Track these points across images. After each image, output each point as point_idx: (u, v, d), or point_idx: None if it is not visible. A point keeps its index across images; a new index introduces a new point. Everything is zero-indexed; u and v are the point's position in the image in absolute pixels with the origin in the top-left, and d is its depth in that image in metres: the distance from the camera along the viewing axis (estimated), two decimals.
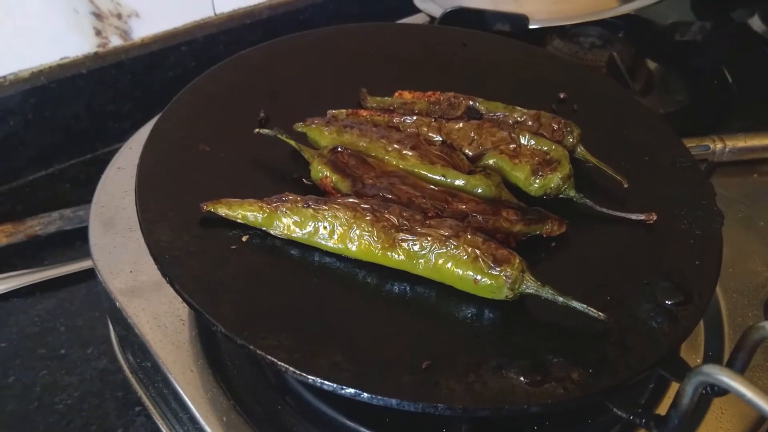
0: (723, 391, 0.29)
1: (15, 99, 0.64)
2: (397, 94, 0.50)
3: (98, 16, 0.67)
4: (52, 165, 0.69)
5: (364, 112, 0.47)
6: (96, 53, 0.69)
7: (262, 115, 0.46)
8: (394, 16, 0.79)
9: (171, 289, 0.39)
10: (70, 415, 0.46)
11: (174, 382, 0.36)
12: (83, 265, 0.55)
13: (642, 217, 0.40)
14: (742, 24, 0.79)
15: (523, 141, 0.43)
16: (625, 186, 0.41)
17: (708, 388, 0.30)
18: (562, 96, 0.51)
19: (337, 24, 0.87)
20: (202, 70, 0.77)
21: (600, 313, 0.32)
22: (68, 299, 0.54)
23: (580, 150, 0.44)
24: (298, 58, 0.53)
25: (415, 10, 0.76)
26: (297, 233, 0.37)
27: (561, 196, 0.41)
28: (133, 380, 0.44)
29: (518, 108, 0.46)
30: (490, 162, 0.43)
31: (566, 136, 0.44)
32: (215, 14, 0.76)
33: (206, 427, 0.35)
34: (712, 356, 0.41)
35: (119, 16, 0.69)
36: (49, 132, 0.67)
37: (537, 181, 0.41)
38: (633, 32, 0.73)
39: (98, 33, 0.68)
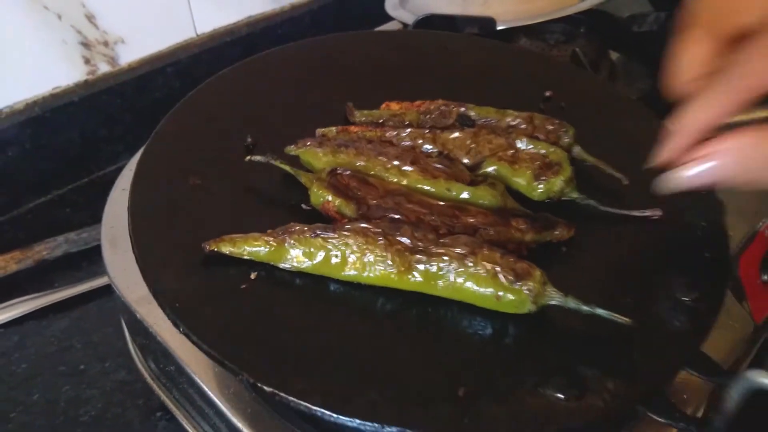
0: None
1: (12, 131, 0.65)
2: (384, 105, 0.49)
3: (86, 45, 0.69)
4: (50, 191, 0.70)
5: (354, 128, 0.46)
6: (86, 81, 0.70)
7: (249, 140, 0.45)
8: (368, 24, 0.80)
9: None
10: (95, 426, 0.48)
11: (199, 381, 0.37)
12: (92, 284, 0.57)
13: (647, 213, 0.40)
14: None
15: (520, 146, 0.43)
16: (626, 183, 0.41)
17: None
18: (548, 94, 0.51)
19: (313, 36, 0.88)
20: (188, 90, 0.77)
21: (625, 318, 0.32)
22: (81, 318, 0.56)
23: (577, 150, 0.44)
24: (276, 74, 0.52)
25: (388, 18, 0.77)
26: (307, 264, 0.35)
27: (564, 198, 0.41)
28: (155, 386, 0.45)
29: (510, 111, 0.46)
30: (490, 170, 0.42)
31: (561, 136, 0.44)
32: (197, 35, 0.78)
33: (233, 419, 0.35)
34: None
35: (106, 44, 0.71)
36: (45, 159, 0.69)
37: (540, 186, 0.41)
38: (595, 26, 0.76)
39: (87, 61, 0.70)
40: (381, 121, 0.47)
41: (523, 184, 0.42)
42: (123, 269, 0.45)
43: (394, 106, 0.48)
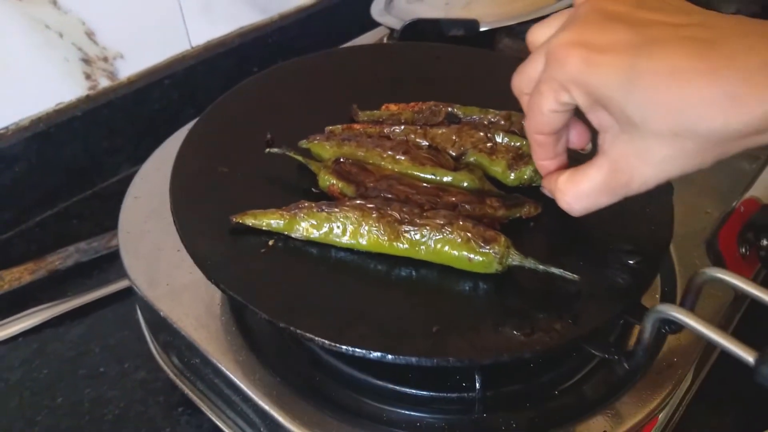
0: (678, 327, 0.36)
1: (19, 147, 0.69)
2: (384, 107, 0.56)
3: (87, 61, 0.72)
4: (56, 204, 0.73)
5: (357, 126, 0.53)
6: (88, 96, 0.74)
7: (268, 137, 0.53)
8: (354, 31, 0.84)
9: (206, 295, 0.45)
10: (120, 424, 0.51)
11: (225, 370, 0.42)
12: (106, 291, 0.61)
13: None
14: None
15: (498, 139, 0.50)
16: None
17: (666, 327, 0.38)
18: None
19: (303, 43, 0.93)
20: (185, 101, 0.82)
21: (574, 275, 0.38)
22: (97, 324, 0.59)
23: None
24: (291, 82, 0.60)
25: (375, 25, 0.81)
26: (314, 234, 0.43)
27: (534, 184, 0.48)
28: (178, 381, 0.49)
29: (491, 110, 0.53)
30: (471, 160, 0.49)
31: None
32: (191, 47, 0.82)
33: (260, 402, 0.41)
34: (667, 291, 0.48)
35: (106, 59, 0.74)
36: (51, 174, 0.72)
37: (512, 174, 0.48)
38: None
39: (88, 77, 0.73)
40: (381, 120, 0.55)
41: (499, 172, 0.49)
42: (143, 271, 0.49)
43: (393, 107, 0.56)
